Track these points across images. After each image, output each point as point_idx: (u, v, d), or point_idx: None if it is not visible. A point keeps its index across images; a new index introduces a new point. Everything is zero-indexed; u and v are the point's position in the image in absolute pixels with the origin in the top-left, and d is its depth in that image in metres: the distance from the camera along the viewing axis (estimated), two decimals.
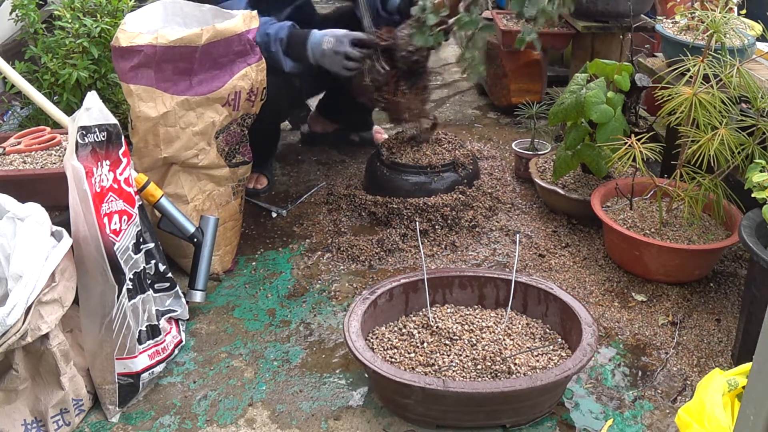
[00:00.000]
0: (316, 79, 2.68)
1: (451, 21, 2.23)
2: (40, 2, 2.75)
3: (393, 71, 2.38)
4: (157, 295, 1.88)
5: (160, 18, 2.14)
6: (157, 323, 1.83)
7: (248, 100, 2.16)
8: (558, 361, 1.79)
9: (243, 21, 2.09)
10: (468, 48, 2.24)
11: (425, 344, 1.84)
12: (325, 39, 2.28)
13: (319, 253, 2.39)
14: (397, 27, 2.39)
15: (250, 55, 2.12)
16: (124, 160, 1.75)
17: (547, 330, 1.91)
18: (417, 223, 2.42)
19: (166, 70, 1.99)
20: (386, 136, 2.86)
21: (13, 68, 2.16)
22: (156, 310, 1.84)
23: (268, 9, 2.35)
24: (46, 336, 1.56)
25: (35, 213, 1.62)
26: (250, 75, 2.13)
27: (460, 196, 2.52)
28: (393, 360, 1.80)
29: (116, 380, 1.71)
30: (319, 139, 3.08)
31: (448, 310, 1.97)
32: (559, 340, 1.87)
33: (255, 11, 2.16)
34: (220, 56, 2.06)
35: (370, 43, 2.32)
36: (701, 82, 2.10)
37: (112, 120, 1.70)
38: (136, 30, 1.97)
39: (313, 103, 3.13)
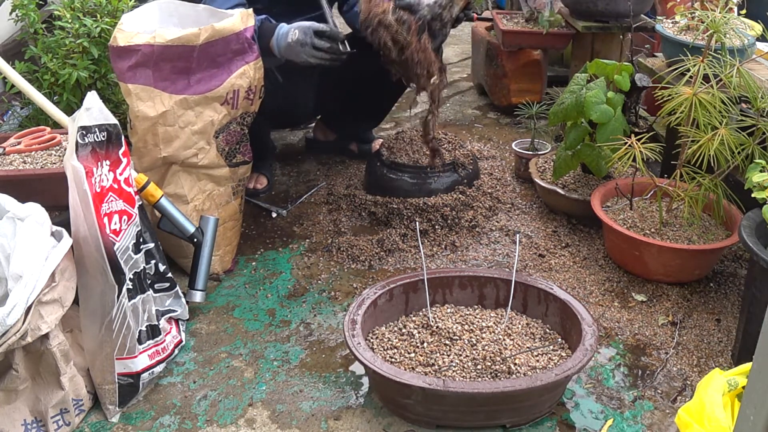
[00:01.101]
0: (314, 86, 2.69)
1: None
2: (40, 2, 2.75)
3: (416, 19, 2.24)
4: (157, 295, 1.88)
5: (156, 18, 2.14)
6: (157, 323, 1.83)
7: (247, 99, 2.16)
8: (558, 361, 1.79)
9: (241, 19, 2.09)
10: None
11: (425, 344, 1.84)
12: (291, 32, 2.19)
13: (319, 253, 2.39)
14: None
15: (248, 53, 2.12)
16: (124, 160, 1.75)
17: (547, 330, 1.91)
18: (417, 223, 2.42)
19: (164, 69, 1.99)
20: None
21: (13, 68, 2.16)
22: (156, 310, 1.84)
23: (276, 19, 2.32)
24: (46, 336, 1.56)
25: (35, 213, 1.62)
26: (248, 73, 2.13)
27: (460, 196, 2.52)
28: (393, 360, 1.80)
29: (116, 380, 1.71)
30: (320, 146, 3.09)
31: (448, 310, 1.97)
32: (559, 340, 1.87)
33: (251, 9, 2.15)
34: (218, 55, 2.06)
35: (333, 35, 2.21)
36: (701, 82, 2.10)
37: (112, 120, 1.70)
38: (134, 30, 1.97)
39: None
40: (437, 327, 1.88)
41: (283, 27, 2.23)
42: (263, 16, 2.27)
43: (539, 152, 2.78)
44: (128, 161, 1.77)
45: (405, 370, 1.74)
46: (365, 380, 1.84)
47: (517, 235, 2.42)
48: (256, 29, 2.19)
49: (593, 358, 1.89)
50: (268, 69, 2.21)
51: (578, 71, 2.51)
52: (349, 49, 2.24)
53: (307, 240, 2.46)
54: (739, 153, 2.02)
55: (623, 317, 2.08)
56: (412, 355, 1.81)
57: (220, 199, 2.24)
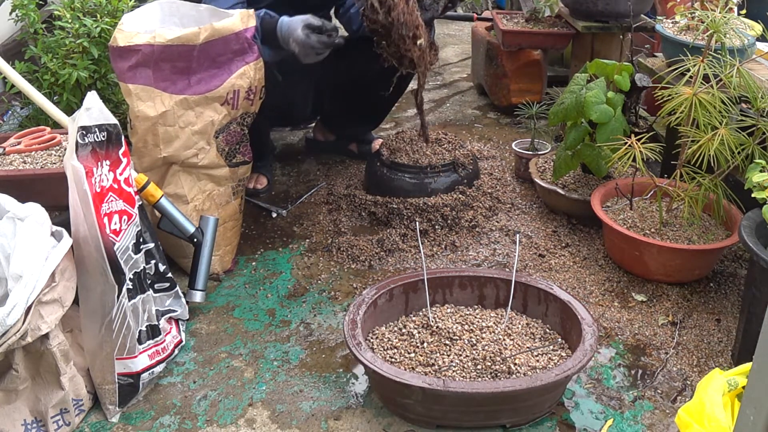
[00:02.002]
0: (313, 87, 2.68)
1: None
2: (40, 2, 2.75)
3: None
4: (157, 295, 1.88)
5: (158, 18, 2.14)
6: (157, 323, 1.83)
7: (247, 99, 2.16)
8: (558, 361, 1.79)
9: (240, 19, 2.09)
10: None
11: (425, 344, 1.84)
12: (291, 45, 2.17)
13: (319, 253, 2.39)
14: None
15: (248, 54, 2.12)
16: (124, 160, 1.75)
17: (547, 330, 1.91)
18: (417, 223, 2.42)
19: (164, 69, 1.99)
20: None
21: (13, 68, 2.16)
22: (156, 310, 1.84)
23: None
24: (46, 336, 1.56)
25: (35, 213, 1.62)
26: (248, 73, 2.13)
27: (460, 196, 2.52)
28: (393, 360, 1.80)
29: (116, 380, 1.71)
30: (320, 146, 3.09)
31: (448, 310, 1.97)
32: (559, 340, 1.87)
33: (251, 9, 2.15)
34: (218, 55, 2.06)
35: (327, 37, 2.17)
36: (701, 82, 2.10)
37: (112, 120, 1.70)
38: (134, 30, 1.97)
39: None
40: (437, 327, 1.88)
41: (283, 27, 2.20)
42: (262, 11, 2.24)
43: (539, 152, 2.78)
44: (128, 161, 1.77)
45: (405, 370, 1.74)
46: (365, 380, 1.84)
47: (517, 235, 2.42)
48: (257, 27, 2.18)
49: (593, 358, 1.90)
50: (267, 68, 2.21)
51: (578, 71, 2.51)
52: (339, 35, 2.23)
53: (307, 240, 2.46)
54: (739, 153, 2.02)
55: (623, 317, 2.08)
56: (412, 355, 1.81)
57: (220, 199, 2.24)
